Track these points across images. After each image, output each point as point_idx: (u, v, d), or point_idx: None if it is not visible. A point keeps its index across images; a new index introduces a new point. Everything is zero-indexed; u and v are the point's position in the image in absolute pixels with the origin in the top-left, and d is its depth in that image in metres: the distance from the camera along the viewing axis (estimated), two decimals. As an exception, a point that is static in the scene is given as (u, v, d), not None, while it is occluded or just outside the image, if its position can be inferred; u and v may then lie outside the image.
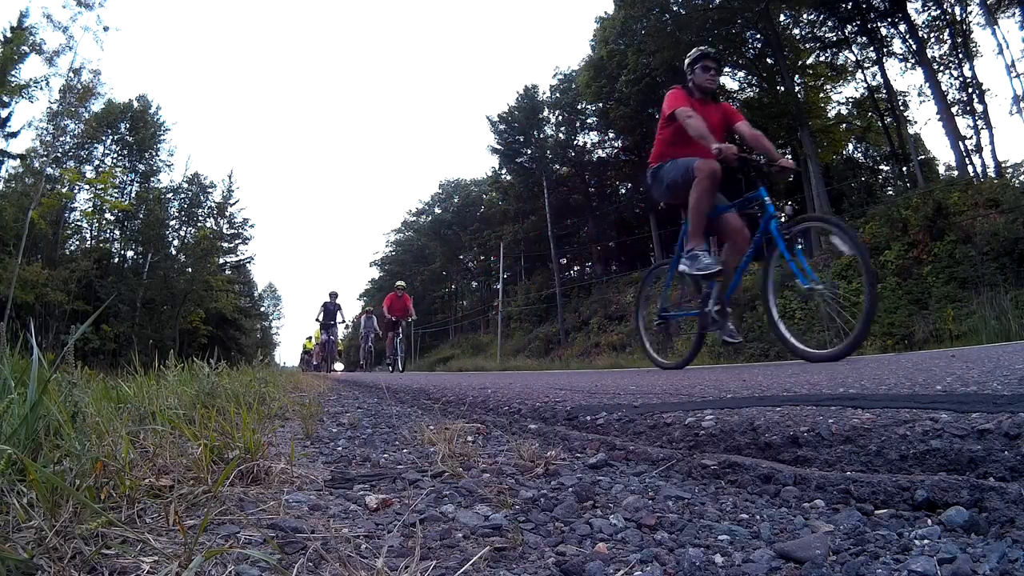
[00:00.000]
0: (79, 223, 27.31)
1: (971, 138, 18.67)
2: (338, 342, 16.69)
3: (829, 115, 25.24)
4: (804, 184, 21.94)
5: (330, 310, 15.71)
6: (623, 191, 31.35)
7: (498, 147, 30.27)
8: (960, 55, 19.18)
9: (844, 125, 25.35)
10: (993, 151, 18.38)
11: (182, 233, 30.50)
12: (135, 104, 29.64)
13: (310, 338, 25.83)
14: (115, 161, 28.87)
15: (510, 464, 1.24)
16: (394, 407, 2.95)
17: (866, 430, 1.05)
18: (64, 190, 21.90)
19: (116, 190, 26.52)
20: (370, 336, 16.88)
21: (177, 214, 30.62)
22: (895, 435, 1.01)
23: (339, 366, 17.78)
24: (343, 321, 16.11)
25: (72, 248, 26.62)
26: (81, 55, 27.43)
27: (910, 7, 19.08)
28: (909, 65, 20.04)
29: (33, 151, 22.51)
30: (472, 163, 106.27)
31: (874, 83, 21.68)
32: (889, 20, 19.87)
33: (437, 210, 46.15)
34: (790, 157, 4.70)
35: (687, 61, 4.14)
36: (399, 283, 13.39)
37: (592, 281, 28.90)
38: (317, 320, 15.44)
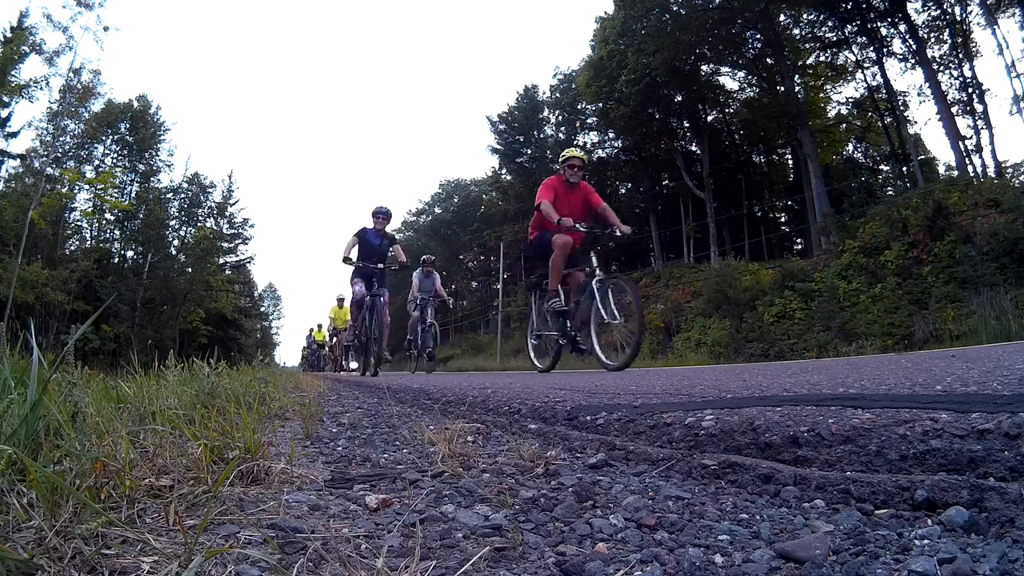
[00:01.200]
0: (79, 223, 27.30)
1: (971, 138, 18.69)
2: (386, 313, 7.98)
3: (829, 115, 25.26)
4: (804, 184, 21.95)
5: (372, 245, 7.88)
6: (623, 191, 31.35)
7: (498, 147, 30.31)
8: (960, 55, 19.19)
9: (844, 125, 25.37)
10: (993, 151, 18.41)
11: (182, 233, 30.49)
12: (135, 104, 29.63)
13: (320, 326, 20.37)
14: (115, 161, 28.87)
15: (510, 464, 1.24)
16: (394, 407, 2.95)
17: (866, 430, 1.05)
18: (64, 190, 21.87)
19: (116, 190, 26.49)
20: (429, 308, 9.23)
21: (177, 214, 30.60)
22: (895, 435, 1.01)
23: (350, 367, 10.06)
24: (399, 263, 8.12)
25: (72, 248, 26.61)
26: (81, 55, 27.38)
27: (910, 7, 19.10)
28: (909, 65, 20.06)
29: (33, 151, 22.53)
30: (472, 163, 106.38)
31: (874, 83, 21.71)
32: (889, 20, 19.88)
33: (437, 210, 46.18)
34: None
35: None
36: (570, 151, 6.15)
37: (592, 281, 28.84)
38: (347, 261, 7.67)
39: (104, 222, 28.37)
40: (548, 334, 5.96)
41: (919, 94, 20.46)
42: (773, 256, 22.53)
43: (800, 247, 25.27)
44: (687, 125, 26.04)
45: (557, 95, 29.71)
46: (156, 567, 0.62)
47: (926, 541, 0.70)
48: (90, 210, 26.35)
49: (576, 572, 0.66)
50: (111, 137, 28.59)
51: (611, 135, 28.34)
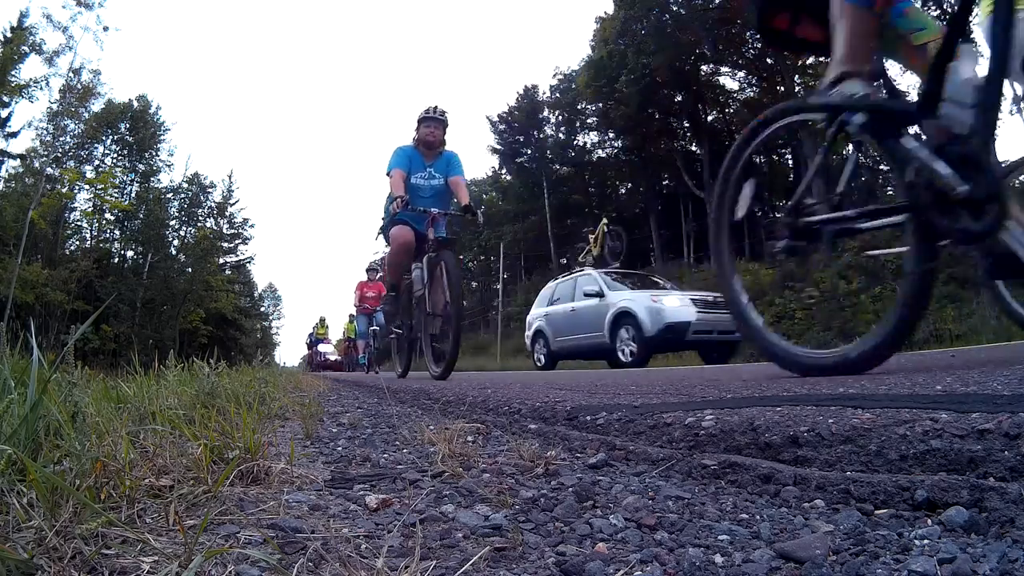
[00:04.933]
0: (79, 223, 27.33)
1: (971, 138, 18.65)
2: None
3: (829, 115, 25.21)
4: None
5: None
6: (623, 191, 31.37)
7: (498, 147, 30.34)
8: (960, 55, 19.17)
9: (844, 125, 25.32)
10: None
11: (182, 233, 30.50)
12: (135, 104, 29.65)
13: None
14: (115, 161, 28.89)
15: (510, 464, 1.24)
16: (394, 407, 2.95)
17: (866, 430, 1.05)
18: (64, 190, 21.86)
19: (116, 190, 26.51)
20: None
21: (177, 214, 30.61)
22: (895, 435, 1.01)
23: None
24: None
25: (72, 248, 26.62)
26: (81, 55, 27.31)
27: (910, 7, 19.07)
28: (909, 65, 20.01)
29: (33, 151, 22.54)
30: (472, 163, 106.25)
31: (874, 83, 21.67)
32: (889, 20, 19.84)
33: (437, 210, 46.14)
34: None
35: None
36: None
37: (592, 281, 28.90)
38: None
39: (104, 222, 28.39)
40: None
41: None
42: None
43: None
44: (687, 125, 26.05)
45: (557, 95, 29.72)
46: (156, 567, 0.62)
47: (926, 541, 0.70)
48: (90, 210, 26.37)
49: (576, 572, 0.66)
50: (111, 137, 28.61)
51: (611, 135, 28.35)
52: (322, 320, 23.49)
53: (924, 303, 2.01)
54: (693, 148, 26.37)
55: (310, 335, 22.73)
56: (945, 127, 1.74)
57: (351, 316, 20.24)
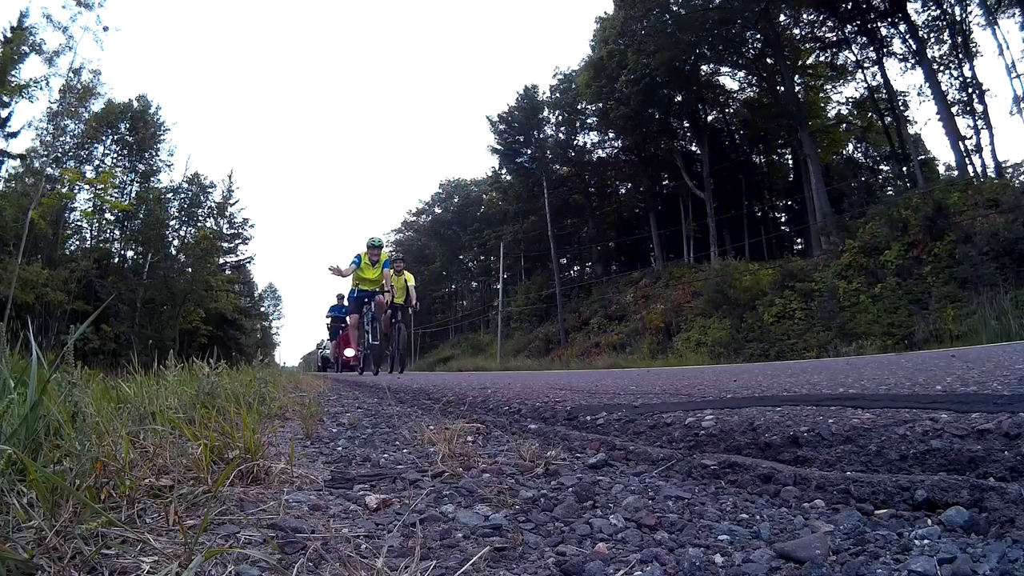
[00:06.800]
0: (79, 223, 27.30)
1: (971, 138, 18.68)
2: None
3: (829, 115, 25.24)
4: (804, 184, 21.94)
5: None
6: (623, 191, 31.36)
7: (498, 147, 30.29)
8: (960, 55, 19.18)
9: (844, 125, 25.35)
10: (993, 151, 18.39)
11: (182, 233, 30.44)
12: (135, 104, 29.63)
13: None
14: (115, 161, 28.87)
15: (510, 464, 1.24)
16: (394, 407, 2.95)
17: (866, 430, 1.05)
18: (64, 190, 21.82)
19: (116, 190, 26.47)
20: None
21: (177, 214, 30.56)
22: (895, 435, 1.01)
23: None
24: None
25: (72, 248, 26.63)
26: (81, 55, 27.22)
27: (910, 7, 19.09)
28: (909, 65, 20.06)
29: (33, 151, 22.51)
30: (472, 163, 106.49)
31: (874, 83, 21.71)
32: (889, 20, 19.87)
33: (437, 210, 46.21)
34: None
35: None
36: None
37: (592, 281, 28.93)
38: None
39: (104, 222, 28.36)
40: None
41: (919, 94, 20.45)
42: (773, 256, 22.53)
43: (800, 247, 25.28)
44: (687, 125, 26.04)
45: (557, 95, 29.68)
46: (156, 567, 0.62)
47: (926, 541, 0.70)
48: (90, 210, 26.32)
49: (576, 572, 0.66)
50: (111, 137, 28.58)
51: (611, 135, 28.32)
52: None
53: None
54: (693, 148, 26.35)
55: (333, 307, 13.62)
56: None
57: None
